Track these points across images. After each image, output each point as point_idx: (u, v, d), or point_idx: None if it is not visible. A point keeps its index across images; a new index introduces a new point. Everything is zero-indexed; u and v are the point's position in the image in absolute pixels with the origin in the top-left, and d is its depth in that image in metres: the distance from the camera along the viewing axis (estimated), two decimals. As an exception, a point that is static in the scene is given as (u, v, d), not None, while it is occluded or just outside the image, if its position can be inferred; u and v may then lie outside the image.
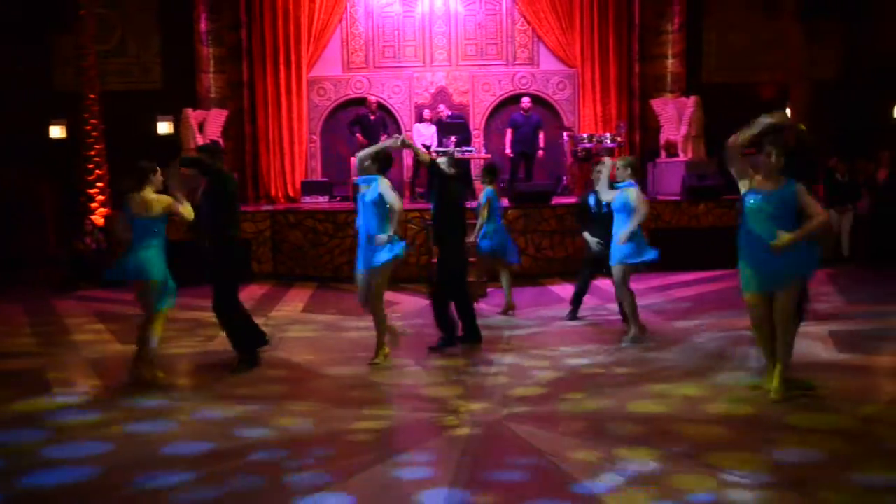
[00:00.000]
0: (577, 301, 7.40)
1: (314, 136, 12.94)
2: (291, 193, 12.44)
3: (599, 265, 7.00)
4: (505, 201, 10.48)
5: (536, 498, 3.54)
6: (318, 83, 12.93)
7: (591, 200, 7.04)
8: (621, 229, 6.19)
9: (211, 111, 11.83)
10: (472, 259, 7.55)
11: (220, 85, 12.22)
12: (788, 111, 12.01)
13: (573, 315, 7.35)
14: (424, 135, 11.75)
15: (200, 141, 11.33)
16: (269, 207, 11.34)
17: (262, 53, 12.43)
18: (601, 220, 6.85)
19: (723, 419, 4.52)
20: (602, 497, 3.50)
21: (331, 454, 4.12)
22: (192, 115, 11.41)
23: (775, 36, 12.95)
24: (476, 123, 12.89)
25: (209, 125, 11.64)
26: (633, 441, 4.16)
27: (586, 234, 7.11)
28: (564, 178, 12.29)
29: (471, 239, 7.40)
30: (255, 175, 12.62)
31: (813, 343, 6.02)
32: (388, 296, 7.60)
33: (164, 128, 12.27)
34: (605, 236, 6.67)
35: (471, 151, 11.61)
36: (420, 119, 11.98)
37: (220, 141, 11.69)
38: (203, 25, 11.97)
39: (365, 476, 3.80)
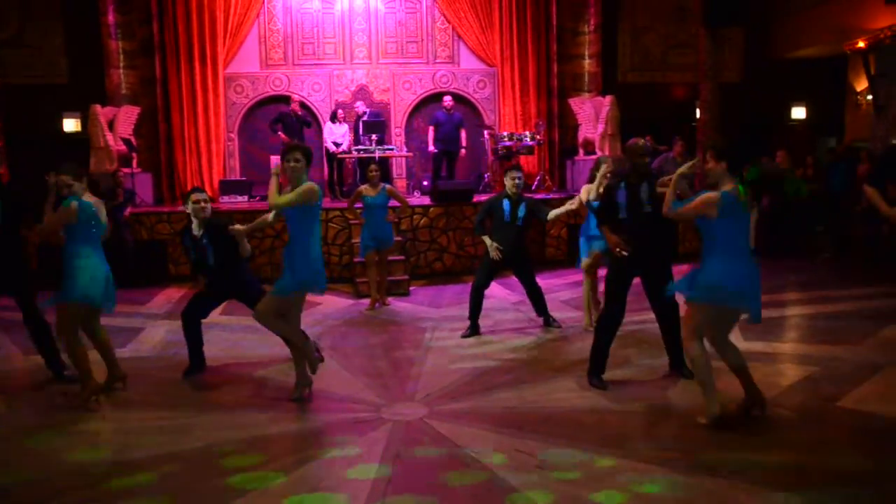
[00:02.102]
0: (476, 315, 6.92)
1: (232, 135, 12.63)
2: (209, 193, 12.05)
3: (494, 274, 6.97)
4: (426, 199, 10.56)
5: (454, 491, 3.57)
6: (235, 80, 12.62)
7: (506, 206, 6.75)
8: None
9: (122, 108, 11.37)
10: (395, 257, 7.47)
11: (132, 81, 11.75)
12: (698, 111, 12.56)
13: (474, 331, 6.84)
14: (336, 133, 11.65)
15: (110, 139, 10.88)
16: (186, 208, 10.98)
17: (175, 49, 12.02)
18: (508, 227, 6.77)
19: (638, 410, 4.68)
20: (523, 490, 3.56)
21: (252, 457, 4.04)
22: (102, 113, 10.91)
23: (685, 39, 13.55)
24: (397, 121, 12.89)
25: (120, 123, 11.18)
26: (554, 434, 4.26)
27: (486, 239, 6.82)
28: (486, 175, 12.42)
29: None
30: (170, 174, 12.21)
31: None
32: (315, 297, 7.54)
33: (71, 125, 11.73)
34: (513, 243, 6.75)
35: (391, 150, 11.60)
36: (334, 118, 11.86)
37: (133, 139, 11.29)
38: (111, 18, 11.47)
39: (296, 475, 3.76)
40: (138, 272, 9.59)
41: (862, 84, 13.01)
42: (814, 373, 5.24)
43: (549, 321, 6.96)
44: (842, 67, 13.65)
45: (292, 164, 4.74)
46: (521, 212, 6.72)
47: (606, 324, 5.19)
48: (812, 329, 6.75)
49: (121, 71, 11.65)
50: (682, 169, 4.49)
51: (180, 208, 10.91)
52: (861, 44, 11.91)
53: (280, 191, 4.77)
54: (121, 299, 7.44)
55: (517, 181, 6.75)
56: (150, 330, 7.31)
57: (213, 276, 5.68)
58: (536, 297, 6.99)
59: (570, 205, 6.38)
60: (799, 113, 14.43)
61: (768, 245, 11.03)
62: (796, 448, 4.01)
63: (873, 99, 11.92)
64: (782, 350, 6.02)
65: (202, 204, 5.57)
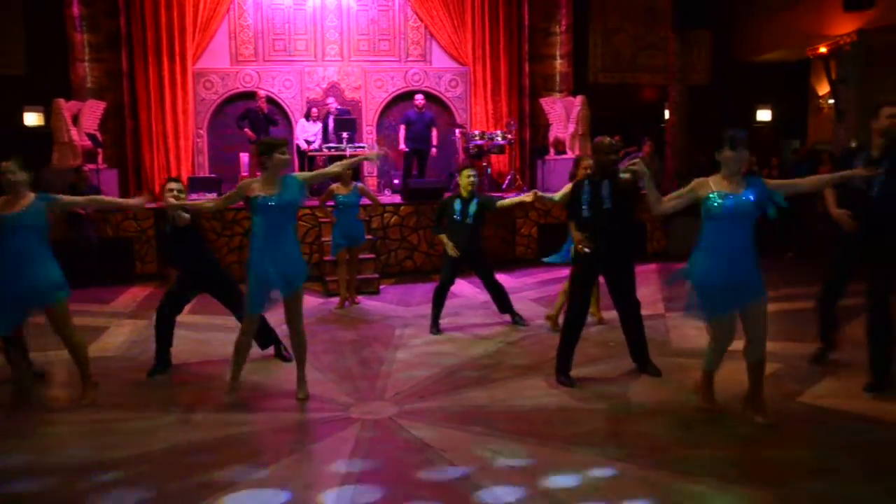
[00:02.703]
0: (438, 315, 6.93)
1: (201, 131, 12.48)
2: (177, 190, 11.92)
3: (457, 272, 6.99)
4: (397, 197, 10.55)
5: (423, 489, 3.58)
6: (204, 76, 12.47)
7: (457, 205, 6.78)
8: None
9: (87, 102, 11.16)
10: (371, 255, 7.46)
11: (97, 75, 11.54)
12: (667, 112, 12.73)
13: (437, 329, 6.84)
14: (308, 131, 11.58)
15: (74, 134, 10.67)
16: (153, 205, 10.82)
17: (143, 42, 11.82)
18: (459, 225, 6.80)
19: (606, 408, 4.73)
20: (491, 487, 3.58)
21: (218, 457, 4.00)
22: (66, 107, 10.70)
23: (655, 41, 13.72)
24: (369, 119, 12.85)
25: (85, 118, 10.98)
26: (522, 432, 4.29)
27: (444, 237, 6.82)
28: (457, 174, 12.42)
29: None
30: (137, 170, 12.01)
31: (688, 332, 6.43)
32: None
33: (33, 119, 11.48)
34: (467, 241, 6.79)
35: (362, 148, 11.57)
36: (308, 116, 11.79)
37: (98, 134, 11.09)
38: (76, 10, 11.24)
39: (258, 477, 3.73)
40: (103, 270, 9.43)
41: (824, 88, 13.30)
42: (778, 370, 5.34)
43: (515, 319, 7.01)
44: (805, 72, 13.94)
45: (287, 156, 4.81)
46: (473, 209, 6.77)
47: (572, 322, 5.24)
48: (777, 327, 6.85)
49: (86, 64, 11.45)
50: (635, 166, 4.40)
51: (147, 205, 10.74)
52: (823, 49, 12.17)
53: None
54: (85, 298, 7.35)
55: (471, 179, 6.79)
56: (115, 329, 7.19)
57: (183, 268, 5.65)
58: (498, 295, 7.04)
59: (526, 197, 6.41)
60: (764, 115, 14.71)
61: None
62: (759, 444, 4.09)
63: (835, 104, 12.18)
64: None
65: (174, 193, 5.52)
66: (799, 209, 11.15)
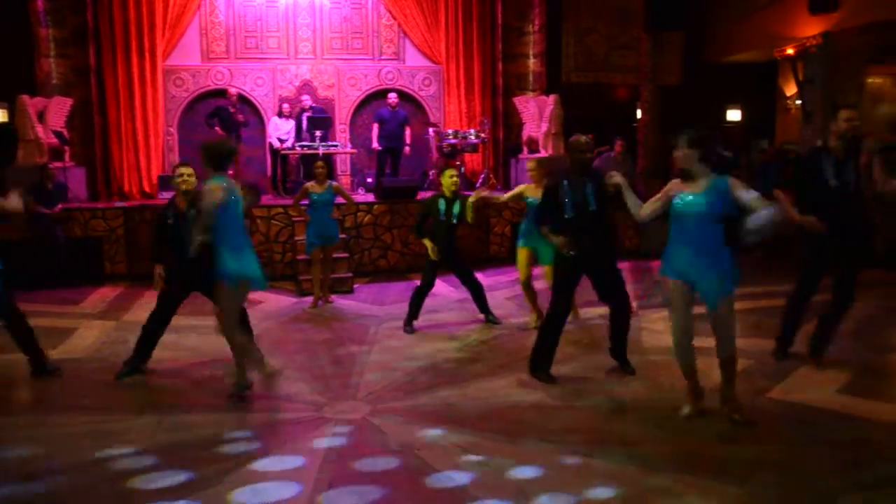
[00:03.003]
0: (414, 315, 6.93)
1: (171, 129, 12.30)
2: (147, 189, 11.76)
3: (436, 276, 6.96)
4: (370, 196, 10.52)
5: (397, 487, 3.58)
6: (175, 73, 12.30)
7: (442, 205, 6.79)
8: None
9: (53, 99, 10.93)
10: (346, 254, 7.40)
11: (63, 70, 11.31)
12: (639, 112, 12.85)
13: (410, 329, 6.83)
14: (281, 129, 11.48)
15: (40, 131, 10.46)
16: (123, 204, 10.68)
17: (111, 38, 11.61)
18: (443, 225, 6.81)
19: (580, 406, 4.76)
20: (468, 486, 3.59)
21: (193, 460, 3.95)
22: (30, 103, 10.47)
23: (627, 42, 13.83)
24: (342, 118, 12.78)
25: (51, 114, 10.75)
26: (496, 430, 4.30)
27: (427, 241, 6.84)
28: (431, 173, 12.42)
29: None
30: (106, 169, 11.80)
31: (658, 329, 6.50)
32: (256, 295, 7.42)
33: (-3, 116, 11.24)
34: (446, 240, 6.81)
35: (335, 146, 11.50)
36: (280, 113, 11.70)
37: (65, 132, 10.88)
38: (40, 4, 11.00)
39: (230, 479, 3.69)
40: (71, 270, 9.26)
41: (791, 89, 13.52)
42: (748, 366, 5.42)
43: (489, 318, 7.03)
44: (773, 73, 14.16)
45: None
46: (457, 209, 6.80)
47: (553, 321, 5.25)
48: (747, 324, 6.98)
49: (51, 60, 11.20)
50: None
51: (116, 204, 10.59)
52: (790, 51, 12.37)
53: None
54: (53, 299, 7.25)
55: (454, 178, 6.81)
56: (84, 330, 7.07)
57: (184, 262, 5.30)
58: (478, 294, 7.05)
59: (472, 197, 6.62)
60: (734, 115, 14.93)
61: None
62: (728, 439, 4.14)
63: (802, 104, 12.39)
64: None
65: (184, 177, 5.45)
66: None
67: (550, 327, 5.26)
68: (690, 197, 4.17)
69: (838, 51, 11.63)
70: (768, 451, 3.96)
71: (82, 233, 9.74)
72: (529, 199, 6.56)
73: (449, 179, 6.82)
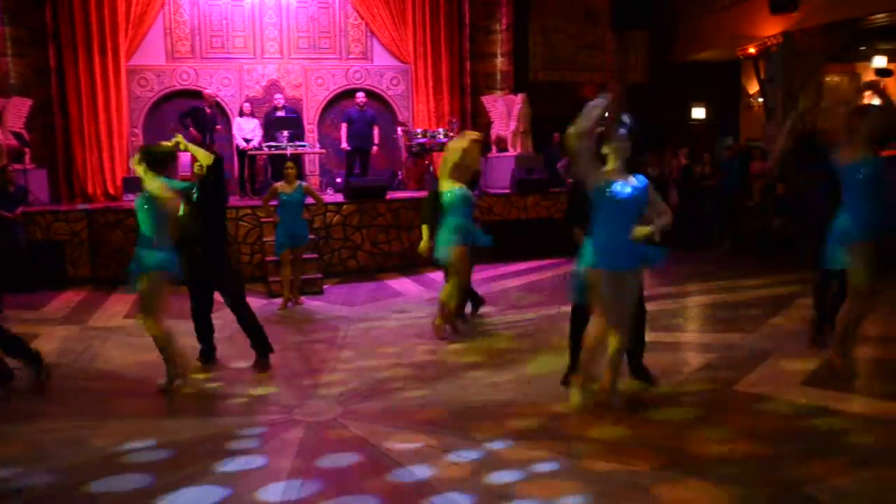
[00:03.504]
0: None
1: (136, 130, 12.12)
2: (111, 191, 11.57)
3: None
4: (339, 196, 10.47)
5: (369, 489, 3.57)
6: (139, 73, 12.12)
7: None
8: None
9: (11, 99, 10.69)
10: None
11: (22, 70, 11.08)
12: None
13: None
14: (245, 129, 11.36)
15: (-1, 133, 10.23)
16: (86, 206, 10.48)
17: (71, 37, 11.40)
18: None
19: (547, 403, 4.80)
20: (439, 487, 3.60)
21: (162, 464, 3.90)
22: (-12, 104, 10.26)
23: (594, 41, 13.98)
24: (310, 118, 12.71)
25: (9, 115, 10.51)
26: (466, 428, 4.32)
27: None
28: (399, 172, 12.42)
29: None
30: (68, 171, 11.59)
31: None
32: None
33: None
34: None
35: (303, 146, 11.43)
36: (241, 113, 11.58)
37: (24, 133, 10.65)
38: (-4, 1, 10.78)
39: (202, 484, 3.65)
40: (33, 275, 9.05)
41: (754, 87, 13.80)
42: (713, 360, 5.52)
43: (463, 318, 7.04)
44: (736, 71, 14.43)
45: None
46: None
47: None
48: (711, 318, 7.12)
49: (8, 59, 10.98)
50: None
51: (79, 207, 10.39)
52: (752, 50, 12.62)
53: None
54: (14, 304, 7.09)
55: None
56: (47, 336, 6.92)
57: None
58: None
59: None
60: (699, 113, 15.17)
61: (677, 238, 11.59)
62: (695, 432, 4.21)
63: (764, 102, 12.64)
64: (685, 339, 6.32)
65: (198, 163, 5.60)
66: (733, 204, 11.56)
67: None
68: (614, 184, 4.26)
69: (798, 50, 11.90)
70: (734, 443, 4.03)
71: (44, 236, 9.54)
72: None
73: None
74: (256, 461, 3.96)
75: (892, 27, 11.40)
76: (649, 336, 5.23)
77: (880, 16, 10.92)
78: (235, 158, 11.68)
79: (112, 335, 6.95)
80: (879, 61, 13.69)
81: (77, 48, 11.39)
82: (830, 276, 5.50)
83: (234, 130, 11.44)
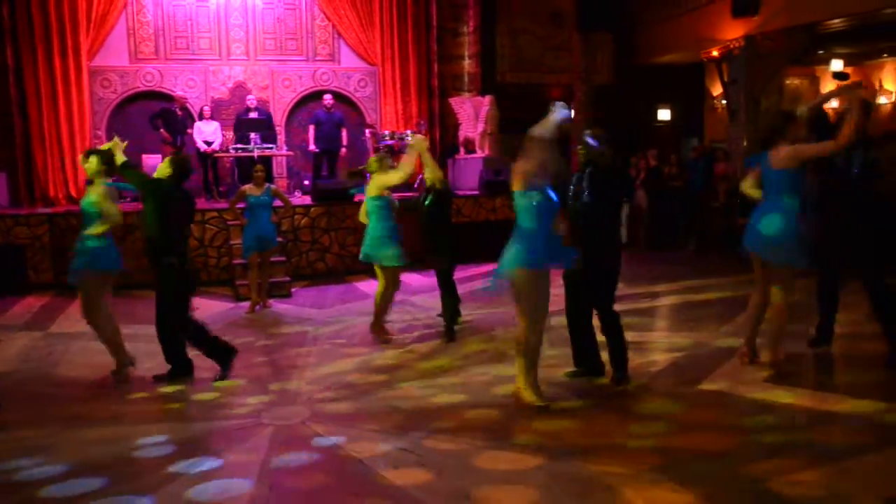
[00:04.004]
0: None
1: (99, 132, 11.89)
2: (74, 194, 11.34)
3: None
4: (307, 199, 10.40)
5: (336, 491, 3.56)
6: (101, 74, 11.90)
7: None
8: None
9: (-33, 101, 10.45)
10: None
11: (-24, 71, 10.81)
12: (573, 112, 13.09)
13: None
14: (205, 132, 11.22)
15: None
16: (47, 210, 10.26)
17: (30, 36, 11.15)
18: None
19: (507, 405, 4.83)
20: (408, 488, 3.60)
21: (128, 472, 3.84)
22: (-56, 106, 9.98)
23: (560, 43, 14.09)
24: (277, 120, 12.60)
25: (-34, 117, 10.27)
26: (437, 430, 4.32)
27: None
28: (368, 175, 12.35)
29: None
30: (28, 174, 11.33)
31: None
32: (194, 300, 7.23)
33: None
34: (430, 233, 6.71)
35: (271, 148, 11.32)
36: (201, 115, 11.43)
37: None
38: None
39: (168, 489, 3.60)
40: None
41: (717, 89, 14.02)
42: (678, 358, 5.60)
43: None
44: (700, 74, 14.66)
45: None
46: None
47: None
48: (678, 318, 7.22)
49: (-37, 59, 10.71)
50: None
51: (40, 210, 10.16)
52: (715, 53, 12.83)
53: None
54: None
55: None
56: (8, 343, 6.77)
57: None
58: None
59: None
60: (664, 115, 15.38)
61: (646, 239, 11.75)
62: (664, 430, 4.27)
63: (727, 104, 12.87)
64: (652, 339, 6.39)
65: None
66: (695, 204, 11.75)
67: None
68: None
69: (759, 53, 12.13)
70: (699, 441, 4.09)
71: (4, 240, 9.31)
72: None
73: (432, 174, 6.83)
74: (223, 465, 3.92)
75: (848, 32, 11.71)
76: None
77: (836, 21, 11.19)
78: (197, 161, 11.52)
79: (74, 341, 6.82)
80: (837, 65, 14.05)
81: (36, 47, 11.15)
82: (829, 276, 5.56)
83: (195, 134, 11.26)
